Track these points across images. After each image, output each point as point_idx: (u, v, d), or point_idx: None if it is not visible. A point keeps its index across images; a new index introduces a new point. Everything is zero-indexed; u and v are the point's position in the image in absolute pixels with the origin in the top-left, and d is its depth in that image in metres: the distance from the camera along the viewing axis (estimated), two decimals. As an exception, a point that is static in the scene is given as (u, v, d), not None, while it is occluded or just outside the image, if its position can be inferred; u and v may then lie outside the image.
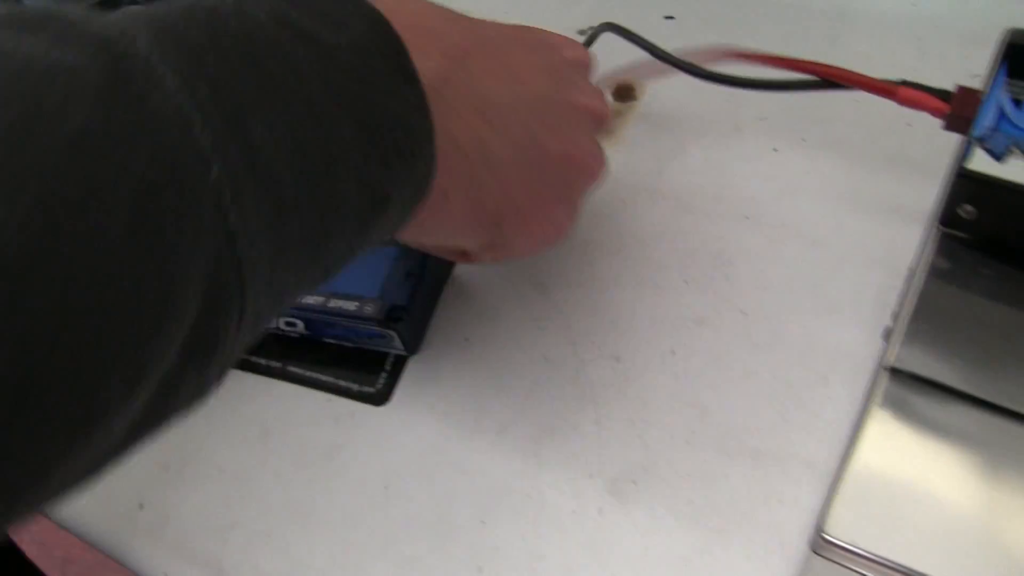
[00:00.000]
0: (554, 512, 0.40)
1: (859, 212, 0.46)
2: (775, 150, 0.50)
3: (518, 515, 0.40)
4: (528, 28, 0.40)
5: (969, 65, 0.46)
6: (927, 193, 0.37)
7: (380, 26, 0.28)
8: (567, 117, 0.38)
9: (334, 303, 0.44)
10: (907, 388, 0.29)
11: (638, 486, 0.40)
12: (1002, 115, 0.31)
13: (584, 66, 0.41)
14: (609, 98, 0.54)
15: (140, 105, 0.21)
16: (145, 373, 0.21)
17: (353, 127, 0.26)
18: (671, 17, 0.59)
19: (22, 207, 0.18)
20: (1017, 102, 0.31)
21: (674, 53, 0.48)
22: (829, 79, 0.37)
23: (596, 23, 0.58)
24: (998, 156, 0.30)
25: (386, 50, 0.28)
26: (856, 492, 0.27)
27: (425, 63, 0.29)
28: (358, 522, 0.41)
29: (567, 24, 0.60)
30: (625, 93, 0.55)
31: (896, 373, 0.29)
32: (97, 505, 0.45)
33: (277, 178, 0.24)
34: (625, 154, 0.52)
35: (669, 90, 0.54)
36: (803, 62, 0.38)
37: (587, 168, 0.39)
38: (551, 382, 0.44)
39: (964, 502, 0.26)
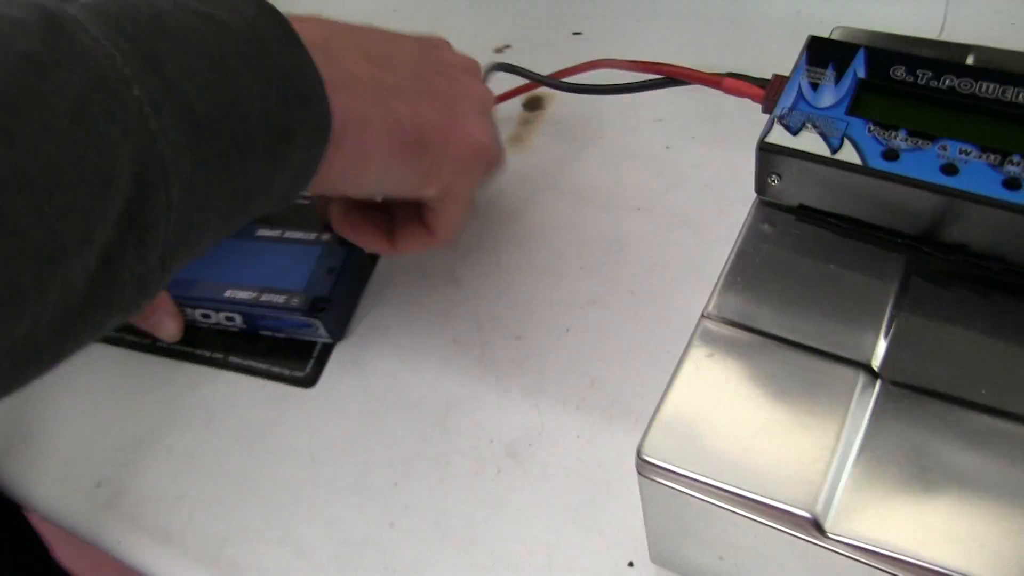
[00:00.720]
0: (458, 473, 0.45)
1: (740, 199, 0.52)
2: (667, 148, 0.56)
3: (426, 477, 0.45)
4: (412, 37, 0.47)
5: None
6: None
7: (265, 7, 0.34)
8: (447, 68, 0.46)
9: (265, 297, 0.50)
10: (720, 331, 0.34)
11: (533, 448, 0.45)
12: (800, 96, 0.36)
13: (468, 68, 0.48)
14: (520, 108, 0.59)
15: (72, 41, 0.28)
16: (92, 226, 0.27)
17: (251, 75, 0.32)
18: (579, 33, 0.65)
19: None
20: (814, 86, 0.37)
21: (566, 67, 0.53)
22: (671, 76, 0.42)
23: (511, 41, 0.64)
24: (794, 132, 0.35)
25: (272, 22, 0.34)
26: (670, 419, 0.32)
27: (307, 33, 0.35)
28: (289, 488, 0.46)
29: (483, 43, 0.65)
30: (534, 104, 0.60)
31: (710, 319, 0.34)
32: (58, 485, 0.50)
33: (189, 102, 0.30)
34: (531, 158, 0.57)
35: (574, 99, 0.59)
36: (653, 64, 0.43)
37: (478, 94, 0.46)
38: (459, 361, 0.49)
39: (763, 425, 0.31)
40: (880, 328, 0.33)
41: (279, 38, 0.34)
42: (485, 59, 0.64)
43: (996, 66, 0.37)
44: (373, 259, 0.54)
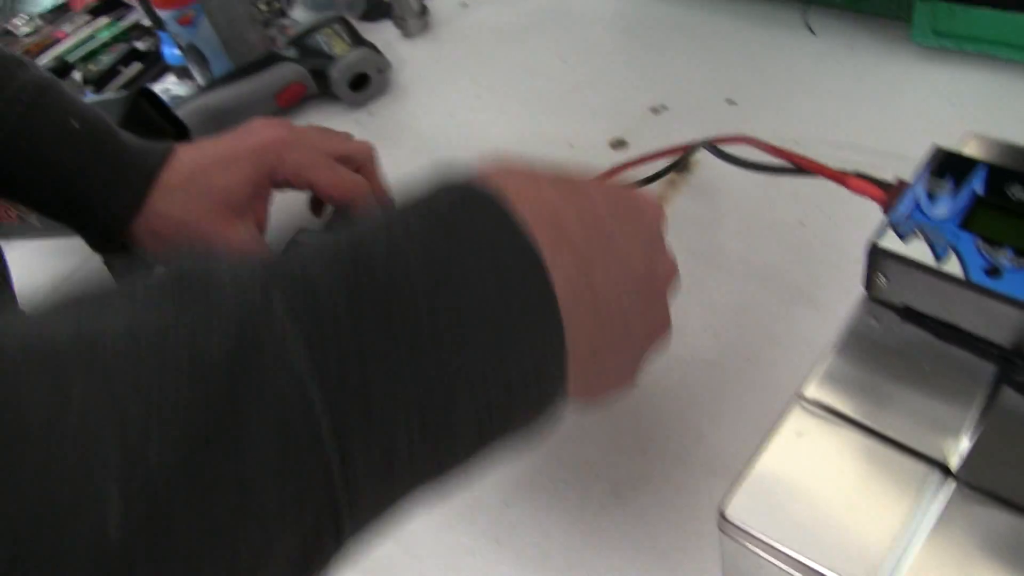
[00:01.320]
0: (564, 502, 0.49)
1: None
2: (802, 224, 0.59)
3: (534, 500, 0.50)
4: (622, 193, 0.41)
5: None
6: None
7: (537, 278, 0.30)
8: (655, 297, 0.40)
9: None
10: (811, 413, 0.37)
11: (636, 491, 0.49)
12: (916, 204, 0.39)
13: (661, 224, 0.43)
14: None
15: (264, 395, 0.23)
16: None
17: (487, 372, 0.28)
18: (733, 102, 0.68)
19: (166, 455, 0.21)
20: (931, 196, 0.39)
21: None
22: (800, 167, 0.46)
23: (667, 102, 0.68)
24: (904, 238, 0.38)
25: (536, 303, 0.30)
26: (753, 486, 0.36)
27: (560, 275, 0.31)
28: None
29: (642, 100, 0.70)
30: (682, 165, 0.64)
31: (803, 399, 0.38)
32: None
33: (391, 441, 0.26)
34: (671, 217, 0.61)
35: (719, 166, 0.63)
36: (789, 153, 0.47)
37: (658, 337, 0.42)
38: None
39: (837, 506, 0.35)
40: (963, 431, 0.36)
41: (535, 308, 0.30)
42: (642, 116, 0.69)
43: None
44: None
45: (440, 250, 0.28)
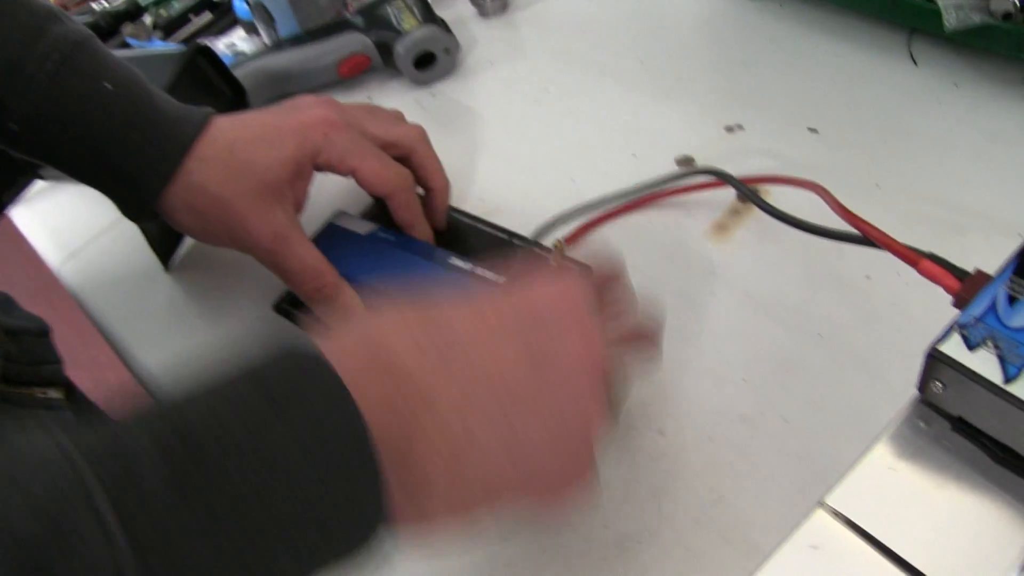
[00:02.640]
0: (565, 548, 0.46)
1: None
2: (868, 277, 0.54)
3: (534, 541, 0.47)
4: (509, 301, 0.39)
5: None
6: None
7: (354, 435, 0.31)
8: (552, 402, 0.37)
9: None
10: (833, 527, 0.33)
11: (641, 546, 0.46)
12: (992, 307, 0.35)
13: (584, 315, 0.39)
14: (732, 195, 0.59)
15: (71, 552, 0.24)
16: None
17: (301, 536, 0.30)
18: (815, 130, 0.63)
19: None
20: (1012, 300, 0.35)
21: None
22: (869, 238, 0.41)
23: (744, 122, 0.63)
24: (971, 346, 0.34)
25: (352, 456, 0.31)
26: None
27: (387, 436, 0.32)
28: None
29: (716, 117, 0.65)
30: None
31: (826, 509, 0.34)
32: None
33: None
34: (730, 251, 0.57)
35: (789, 199, 0.58)
36: (859, 220, 0.42)
37: (594, 426, 0.39)
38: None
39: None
40: (1008, 570, 0.32)
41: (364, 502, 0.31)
42: (714, 133, 0.64)
43: None
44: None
45: (259, 417, 0.30)
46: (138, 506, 0.26)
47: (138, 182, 0.52)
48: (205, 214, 0.54)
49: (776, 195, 0.59)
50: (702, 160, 0.62)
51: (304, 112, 0.56)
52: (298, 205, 0.57)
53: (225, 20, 0.87)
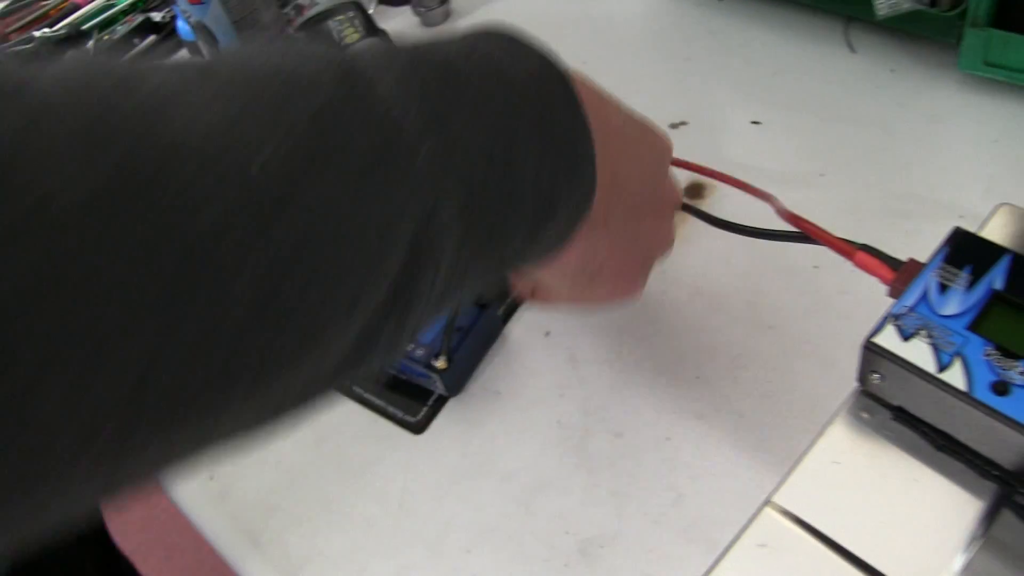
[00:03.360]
0: (528, 556, 0.47)
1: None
2: (816, 267, 0.54)
3: (499, 552, 0.47)
4: (646, 124, 0.45)
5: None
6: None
7: (549, 62, 0.33)
8: (662, 214, 0.46)
9: (395, 341, 0.52)
10: (779, 523, 0.34)
11: (604, 550, 0.46)
12: (924, 297, 0.35)
13: (670, 156, 0.47)
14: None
15: (363, 98, 0.27)
16: (361, 302, 0.26)
17: (531, 139, 0.31)
18: (757, 122, 0.64)
19: (280, 151, 0.24)
20: (943, 287, 0.35)
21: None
22: (806, 234, 0.41)
23: (689, 118, 0.64)
24: (905, 336, 0.34)
25: (556, 79, 0.33)
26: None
27: (585, 99, 0.34)
28: (373, 528, 0.49)
29: (662, 115, 0.65)
30: (695, 191, 0.60)
31: (773, 507, 0.34)
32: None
33: (470, 168, 0.29)
34: (679, 248, 0.57)
35: (735, 194, 0.58)
36: (798, 219, 0.43)
37: (661, 253, 0.47)
38: (558, 445, 0.50)
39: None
40: (948, 562, 0.32)
41: (561, 99, 0.33)
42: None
43: None
44: (504, 320, 0.56)
45: (471, 44, 0.32)
46: (421, 87, 0.28)
47: None
48: None
49: (721, 192, 0.60)
50: (648, 159, 0.63)
51: None
52: None
53: (169, 42, 0.86)
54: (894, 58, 0.66)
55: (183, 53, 0.84)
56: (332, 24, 0.75)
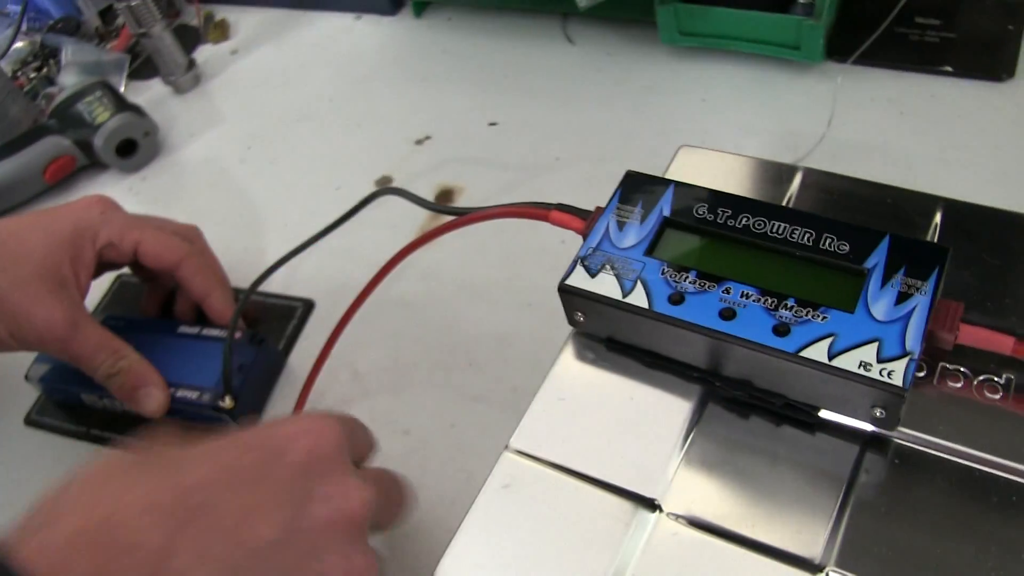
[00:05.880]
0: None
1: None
2: (563, 242, 0.58)
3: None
4: (248, 436, 0.36)
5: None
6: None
7: None
8: (309, 554, 0.34)
9: (181, 393, 0.53)
10: (519, 463, 0.37)
11: (409, 539, 0.48)
12: (606, 235, 0.39)
13: (326, 454, 0.36)
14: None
15: None
16: None
17: None
18: (495, 123, 0.68)
19: None
20: (620, 224, 0.39)
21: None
22: (509, 215, 0.45)
23: (432, 132, 0.67)
24: (593, 273, 0.38)
25: None
26: (454, 561, 0.35)
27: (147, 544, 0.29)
28: None
29: (406, 134, 0.69)
30: (445, 197, 0.63)
31: (511, 451, 0.37)
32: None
33: None
34: (436, 253, 0.60)
35: (485, 195, 0.62)
36: (480, 213, 0.47)
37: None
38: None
39: (541, 561, 0.34)
40: (669, 460, 0.36)
41: None
42: (406, 150, 0.68)
43: (818, 189, 0.40)
44: (286, 352, 0.58)
45: None
46: None
47: None
48: None
49: (466, 199, 0.64)
50: (400, 176, 0.66)
51: (74, 201, 0.55)
52: (82, 294, 0.53)
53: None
54: (609, 43, 0.72)
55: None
56: (81, 106, 0.75)
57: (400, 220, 0.62)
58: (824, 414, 0.36)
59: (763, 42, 0.64)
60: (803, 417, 0.36)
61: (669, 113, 0.65)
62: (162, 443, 0.35)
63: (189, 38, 0.88)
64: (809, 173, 0.43)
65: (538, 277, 0.58)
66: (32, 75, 0.89)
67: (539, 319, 0.55)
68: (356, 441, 0.40)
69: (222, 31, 0.88)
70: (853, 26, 0.64)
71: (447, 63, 0.76)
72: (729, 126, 0.63)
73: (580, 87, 0.69)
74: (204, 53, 0.87)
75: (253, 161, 0.73)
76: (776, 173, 0.44)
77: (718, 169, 0.45)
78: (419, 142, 0.68)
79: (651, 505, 0.35)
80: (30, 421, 0.60)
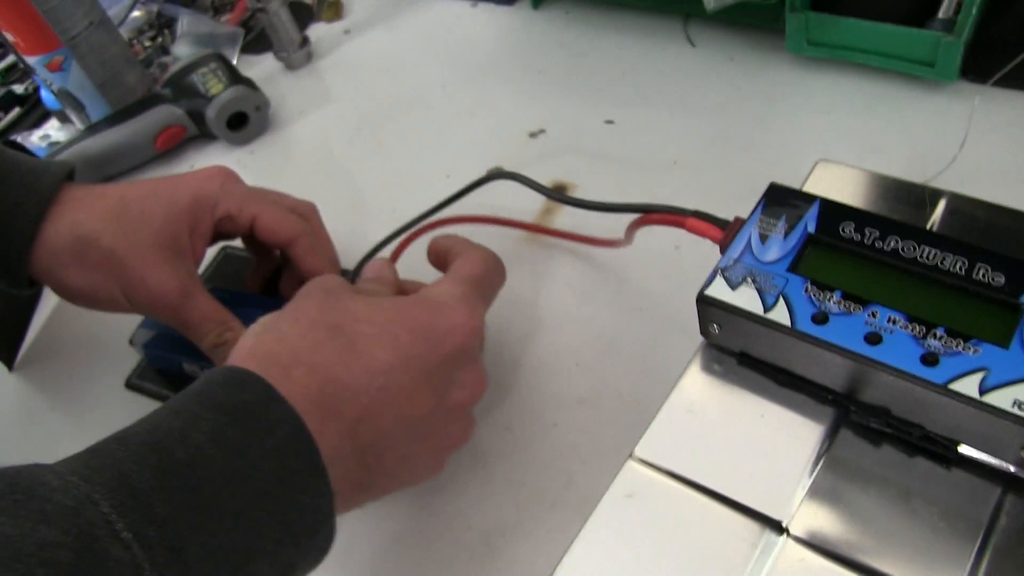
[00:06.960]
0: (436, 555, 0.48)
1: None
2: (677, 248, 0.58)
3: (406, 555, 0.48)
4: (422, 321, 0.44)
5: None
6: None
7: (297, 433, 0.36)
8: (442, 425, 0.45)
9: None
10: (643, 473, 0.36)
11: (506, 539, 0.48)
12: (748, 247, 0.38)
13: (470, 348, 0.45)
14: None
15: (103, 562, 0.29)
16: None
17: (273, 524, 0.34)
18: (611, 121, 0.67)
19: None
20: (763, 238, 0.38)
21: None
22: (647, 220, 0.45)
23: (546, 126, 0.67)
24: (733, 285, 0.37)
25: (302, 450, 0.36)
26: (573, 568, 0.34)
27: (326, 442, 0.37)
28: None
29: (521, 125, 0.68)
30: (561, 190, 0.63)
31: (635, 460, 0.37)
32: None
33: None
34: (548, 247, 0.60)
35: (599, 188, 0.61)
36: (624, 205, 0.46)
37: (456, 446, 0.47)
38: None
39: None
40: (797, 483, 0.35)
41: (305, 471, 0.36)
42: (520, 142, 0.68)
43: (965, 215, 0.38)
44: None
45: (223, 433, 0.34)
46: (146, 522, 0.30)
47: (8, 234, 0.50)
48: (96, 271, 0.51)
49: (580, 191, 0.63)
50: (512, 167, 0.65)
51: (196, 171, 0.55)
52: (197, 263, 0.55)
53: (36, 112, 0.86)
54: (731, 47, 0.71)
55: (52, 122, 0.84)
56: (195, 77, 0.76)
57: (511, 213, 0.61)
58: (963, 449, 0.34)
59: (894, 56, 0.62)
60: (941, 451, 0.35)
61: (790, 124, 0.64)
62: (339, 295, 0.44)
63: (303, 15, 0.88)
64: (955, 198, 0.42)
65: (649, 281, 0.57)
66: (147, 44, 0.91)
67: (649, 325, 0.54)
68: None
69: (336, 10, 0.88)
70: (989, 46, 0.62)
71: (563, 57, 0.75)
72: (852, 141, 0.61)
73: (699, 91, 0.68)
74: (317, 31, 0.87)
75: (362, 143, 0.73)
76: (919, 195, 0.42)
77: (857, 186, 0.44)
78: (533, 135, 0.68)
79: (778, 528, 0.34)
80: (130, 385, 0.61)
